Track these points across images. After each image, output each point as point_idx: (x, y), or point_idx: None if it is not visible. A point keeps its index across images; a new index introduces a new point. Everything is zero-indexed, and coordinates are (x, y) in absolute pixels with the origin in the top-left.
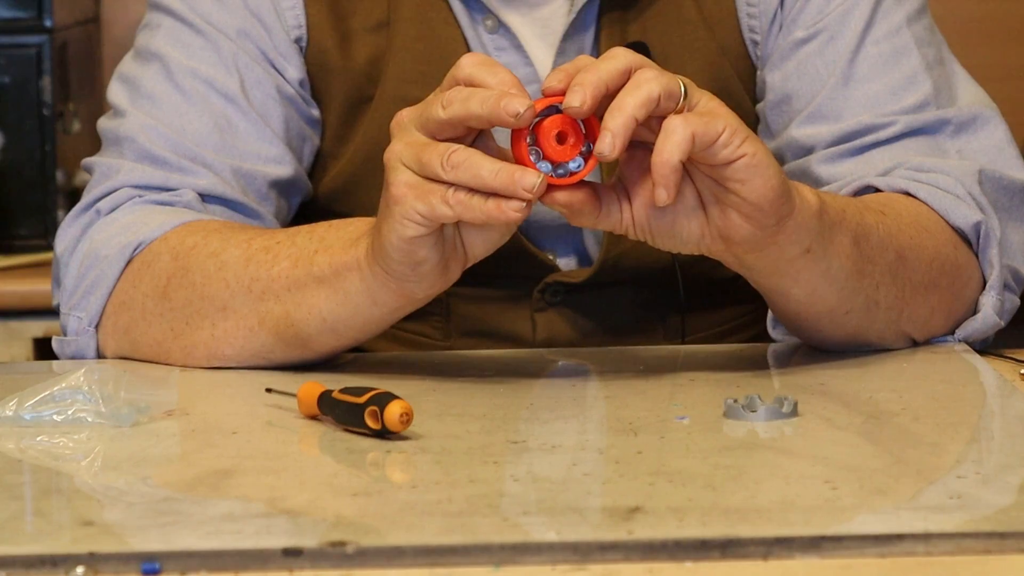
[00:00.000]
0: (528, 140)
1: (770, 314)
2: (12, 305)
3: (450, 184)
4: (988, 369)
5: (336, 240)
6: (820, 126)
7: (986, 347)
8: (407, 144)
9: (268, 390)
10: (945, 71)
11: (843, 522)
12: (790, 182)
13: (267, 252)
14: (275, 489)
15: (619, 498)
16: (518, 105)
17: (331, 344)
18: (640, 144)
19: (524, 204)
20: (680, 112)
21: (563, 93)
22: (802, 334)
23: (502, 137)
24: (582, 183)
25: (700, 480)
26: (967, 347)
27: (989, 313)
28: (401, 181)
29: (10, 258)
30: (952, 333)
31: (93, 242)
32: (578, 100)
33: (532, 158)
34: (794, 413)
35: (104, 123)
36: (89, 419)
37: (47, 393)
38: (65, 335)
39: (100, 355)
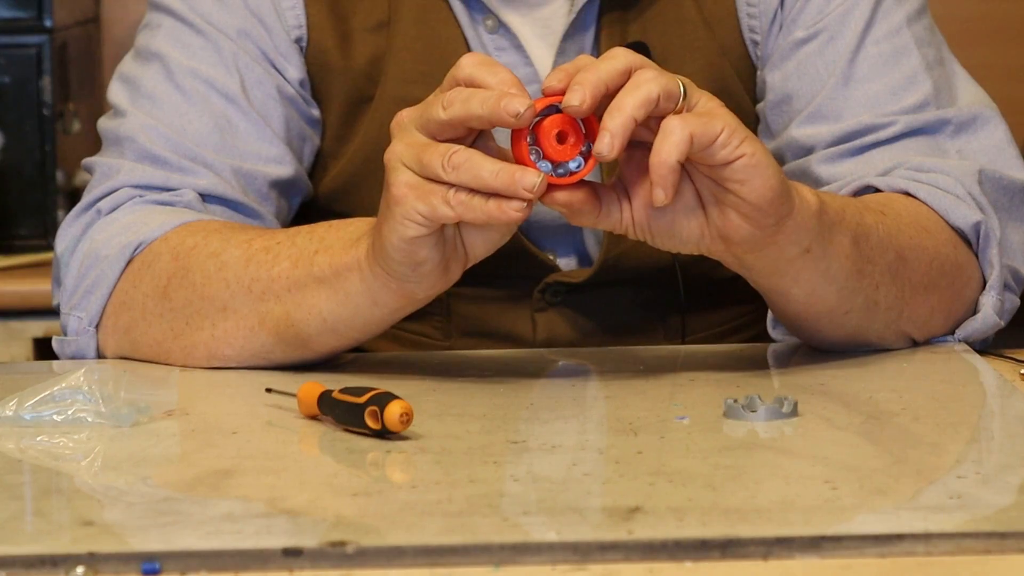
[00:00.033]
0: (528, 140)
1: (770, 314)
2: (12, 305)
3: (451, 185)
4: (988, 369)
5: (336, 240)
6: (820, 126)
7: (986, 347)
8: (407, 145)
9: (268, 390)
10: (945, 71)
11: (843, 522)
12: (789, 182)
13: (267, 252)
14: (275, 489)
15: (619, 498)
16: (518, 105)
17: (331, 344)
18: (640, 144)
19: (525, 204)
20: (679, 112)
21: (563, 93)
22: (802, 334)
23: (502, 137)
24: (582, 183)
25: (700, 480)
26: (967, 347)
27: (989, 313)
28: (402, 182)
29: (10, 258)
30: (952, 333)
31: (93, 242)
32: (577, 99)
33: (532, 158)
34: (794, 413)
35: (104, 123)
36: (89, 419)
37: (47, 393)
38: (65, 335)
39: (100, 355)
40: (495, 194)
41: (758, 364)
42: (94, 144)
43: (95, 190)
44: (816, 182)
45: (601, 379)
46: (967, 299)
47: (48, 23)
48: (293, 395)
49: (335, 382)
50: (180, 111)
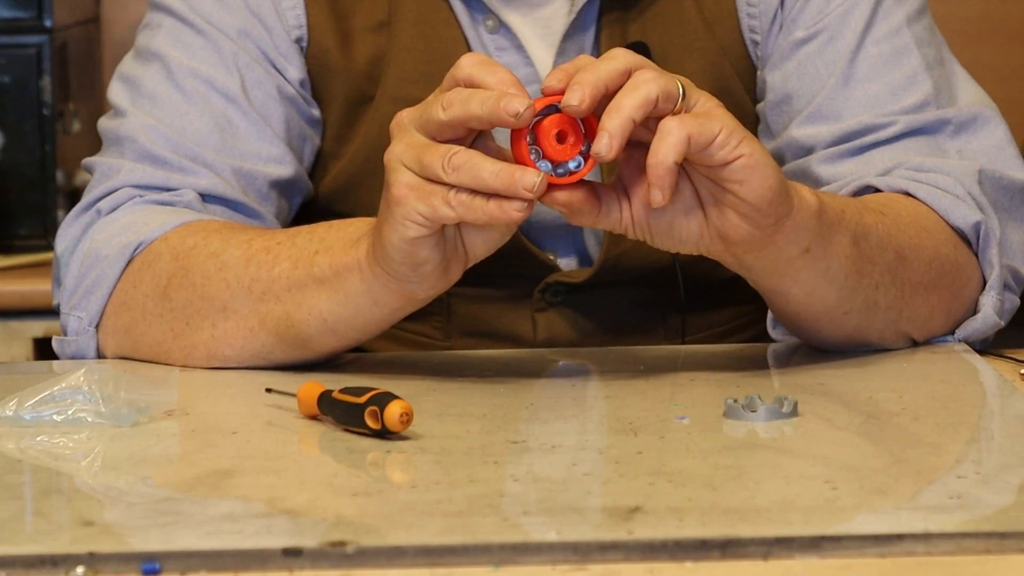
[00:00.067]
0: (528, 139)
1: (770, 314)
2: (12, 305)
3: (451, 186)
4: (988, 369)
5: (336, 241)
6: (820, 126)
7: (986, 347)
8: (407, 145)
9: (268, 390)
10: (945, 71)
11: (843, 522)
12: (788, 182)
13: (267, 253)
14: (275, 489)
15: (619, 498)
16: (518, 105)
17: (332, 344)
18: (639, 144)
19: (526, 204)
20: (678, 113)
21: (563, 92)
22: (802, 334)
23: (502, 136)
24: (582, 182)
25: (700, 480)
26: (967, 347)
27: (989, 313)
28: (402, 182)
29: (10, 258)
30: (952, 333)
31: (94, 242)
32: (576, 99)
33: (532, 157)
34: (794, 413)
35: (104, 123)
36: (89, 419)
37: (47, 393)
38: (65, 335)
39: (100, 355)
40: (496, 194)
41: (758, 364)
42: (94, 144)
43: (95, 190)
44: (816, 182)
45: (601, 379)
46: (967, 299)
47: (48, 23)
48: (293, 395)
49: (335, 382)
50: (180, 111)
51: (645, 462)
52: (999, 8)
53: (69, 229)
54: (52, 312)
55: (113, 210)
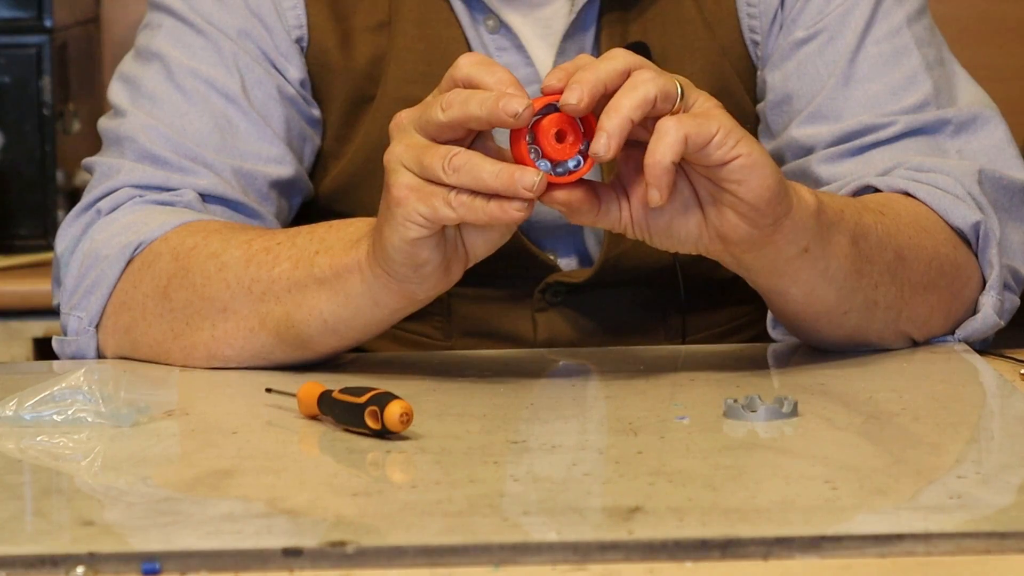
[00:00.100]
0: (527, 139)
1: (770, 314)
2: (12, 305)
3: (451, 186)
4: (988, 369)
5: (337, 241)
6: (820, 126)
7: (986, 347)
8: (407, 146)
9: (268, 390)
10: (945, 71)
11: (843, 522)
12: (787, 182)
13: (268, 253)
14: (275, 489)
15: (619, 498)
16: (517, 105)
17: (332, 345)
18: (638, 144)
19: (526, 204)
20: (677, 113)
21: (562, 92)
22: (801, 334)
23: (502, 135)
24: (581, 181)
25: (700, 480)
26: (967, 347)
27: (989, 313)
28: (402, 183)
29: (10, 258)
30: (952, 333)
31: (94, 242)
32: (575, 98)
33: (531, 156)
34: (794, 413)
35: (104, 123)
36: (89, 419)
37: (47, 393)
38: (65, 335)
39: (100, 355)
40: (496, 195)
41: (758, 364)
42: (94, 144)
43: (95, 190)
44: (816, 182)
45: (601, 379)
46: (967, 299)
47: (48, 23)
48: (293, 395)
49: (335, 382)
50: (180, 111)
51: (645, 462)
52: (999, 8)
53: (69, 229)
54: (52, 312)
55: (113, 210)
